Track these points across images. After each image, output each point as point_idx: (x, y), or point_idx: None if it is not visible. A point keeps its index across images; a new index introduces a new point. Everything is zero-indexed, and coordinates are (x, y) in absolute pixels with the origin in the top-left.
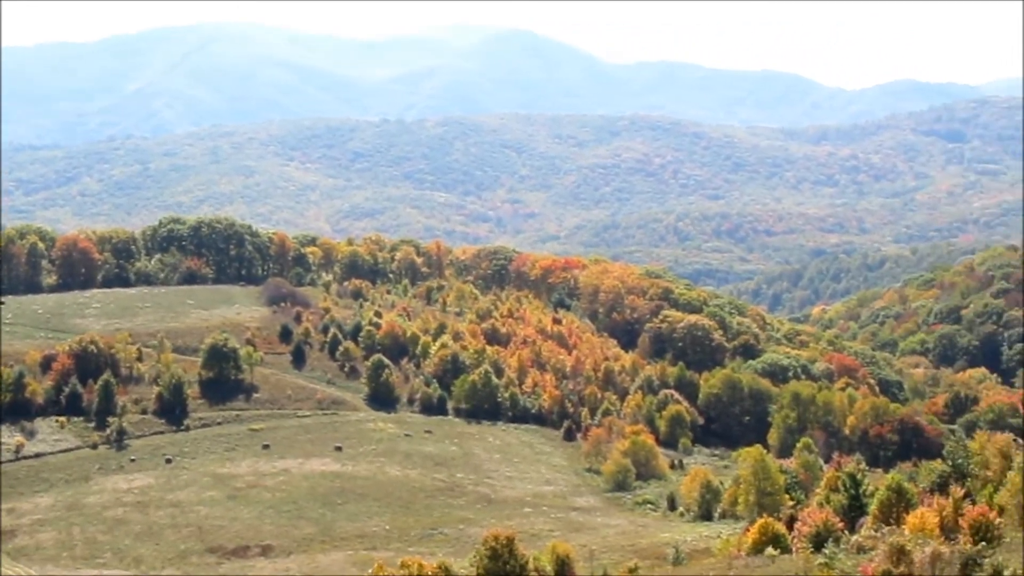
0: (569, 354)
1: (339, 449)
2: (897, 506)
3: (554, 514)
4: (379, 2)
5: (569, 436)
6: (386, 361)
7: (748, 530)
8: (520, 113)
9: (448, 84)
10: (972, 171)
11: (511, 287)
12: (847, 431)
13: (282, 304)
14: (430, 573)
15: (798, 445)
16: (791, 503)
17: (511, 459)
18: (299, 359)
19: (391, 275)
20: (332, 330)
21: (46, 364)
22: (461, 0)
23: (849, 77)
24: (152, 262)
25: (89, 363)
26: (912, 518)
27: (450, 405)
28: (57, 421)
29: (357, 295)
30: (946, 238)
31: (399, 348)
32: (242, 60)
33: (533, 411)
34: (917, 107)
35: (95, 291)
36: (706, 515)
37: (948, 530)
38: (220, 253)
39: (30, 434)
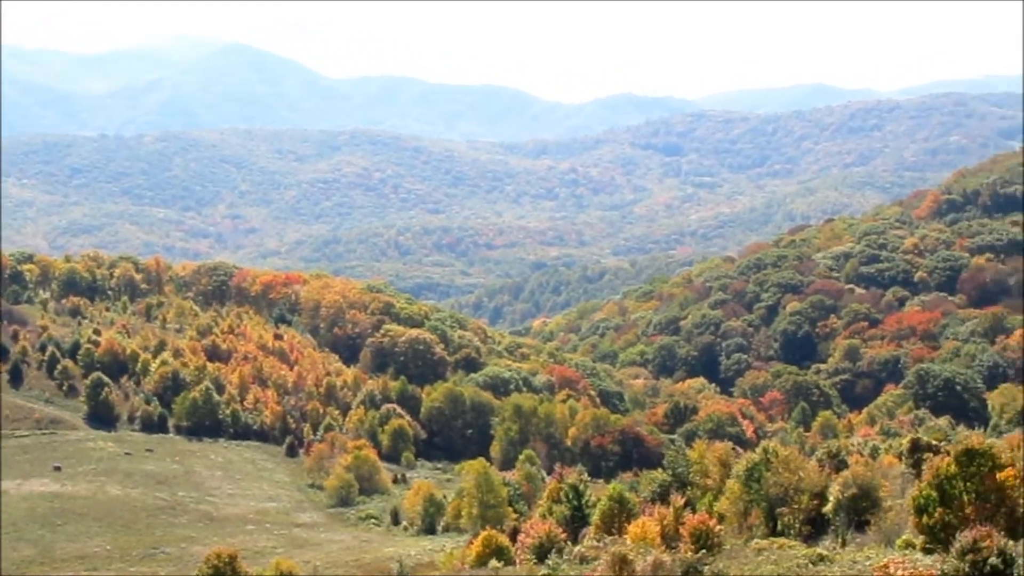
0: (291, 370)
1: (58, 469)
2: (619, 516)
3: (277, 531)
4: (99, 10)
5: (292, 452)
6: (105, 379)
7: (472, 543)
8: (240, 128)
9: (168, 99)
10: (689, 184)
11: (232, 303)
12: (569, 442)
13: None
14: None
15: (520, 457)
16: (514, 515)
17: (233, 476)
18: (16, 378)
19: (110, 292)
20: (50, 348)
21: None
22: (182, 3)
23: (569, 92)
24: None
25: None
26: (634, 527)
27: (171, 423)
28: None
29: (75, 313)
30: (664, 250)
31: (119, 366)
32: None
33: (255, 427)
34: (635, 121)
35: None
36: (430, 529)
37: (669, 538)
38: None
39: None
